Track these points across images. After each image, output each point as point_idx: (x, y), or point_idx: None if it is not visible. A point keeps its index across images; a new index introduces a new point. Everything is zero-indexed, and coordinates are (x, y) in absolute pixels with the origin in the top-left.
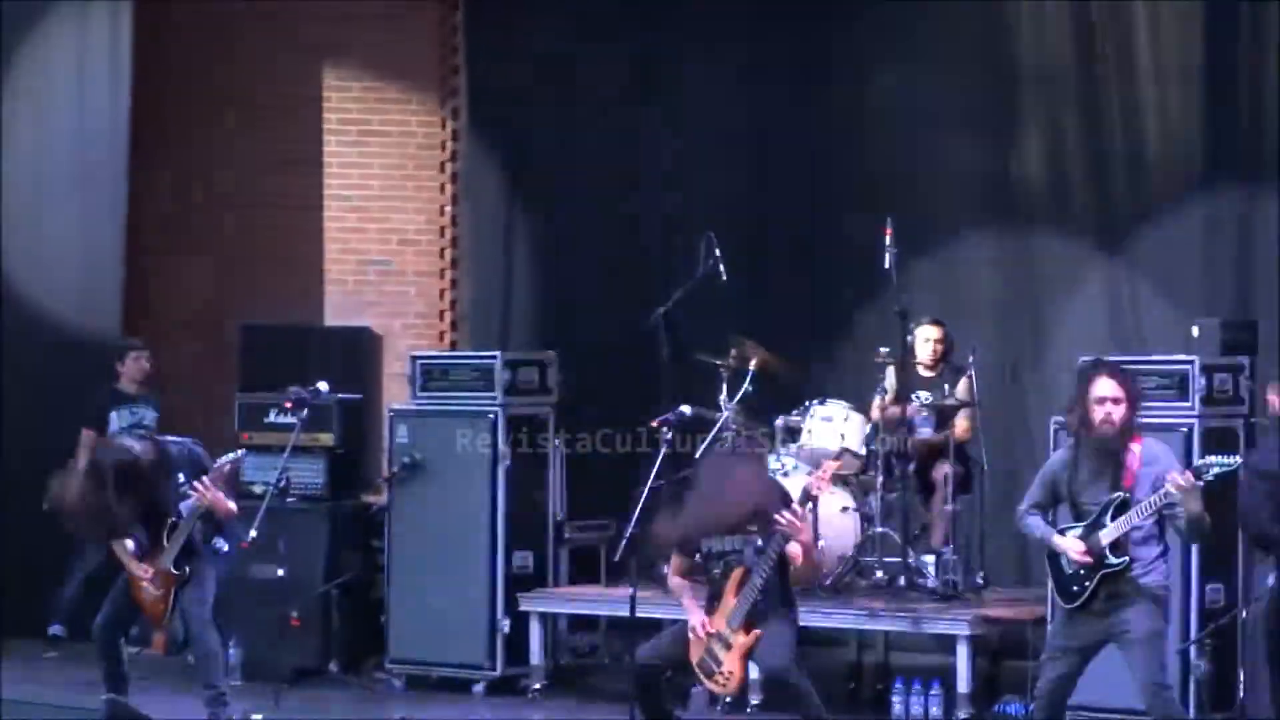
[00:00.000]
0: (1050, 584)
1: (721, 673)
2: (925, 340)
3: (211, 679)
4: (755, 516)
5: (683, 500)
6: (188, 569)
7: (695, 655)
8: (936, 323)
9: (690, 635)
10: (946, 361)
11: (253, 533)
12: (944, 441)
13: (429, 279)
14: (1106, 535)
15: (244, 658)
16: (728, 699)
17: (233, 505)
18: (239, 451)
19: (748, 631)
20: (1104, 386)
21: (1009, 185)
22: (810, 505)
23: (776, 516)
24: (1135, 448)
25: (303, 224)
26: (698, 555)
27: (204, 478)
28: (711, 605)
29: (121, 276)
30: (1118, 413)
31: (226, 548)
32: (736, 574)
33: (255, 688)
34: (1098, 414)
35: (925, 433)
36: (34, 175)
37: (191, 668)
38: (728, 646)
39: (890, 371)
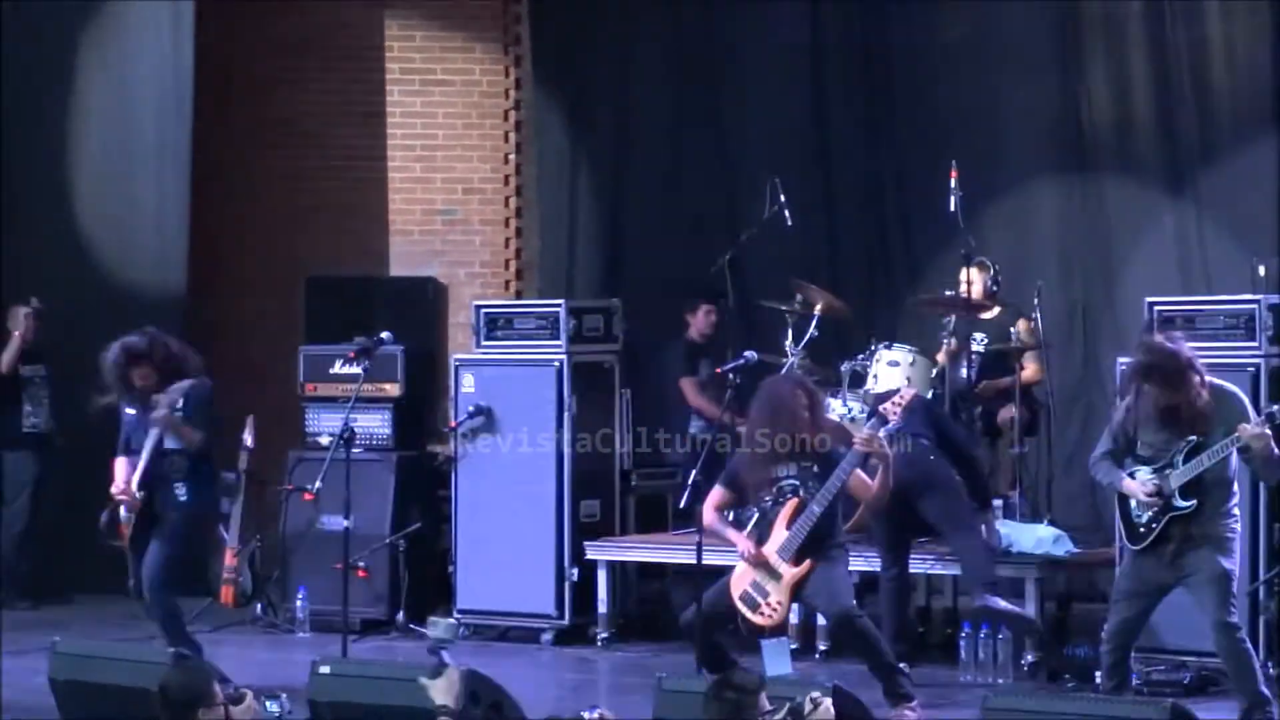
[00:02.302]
0: (1119, 526)
1: (769, 604)
2: (964, 283)
3: (172, 641)
4: (814, 442)
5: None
6: (155, 506)
7: (739, 588)
8: (972, 263)
9: (738, 569)
10: (998, 302)
11: (317, 484)
12: (1009, 385)
13: (494, 228)
14: (1176, 478)
15: (311, 609)
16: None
17: (197, 434)
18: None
19: (798, 564)
20: (1157, 394)
21: (1076, 127)
22: (884, 430)
23: (856, 436)
24: (1204, 392)
25: (367, 174)
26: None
27: (162, 396)
28: (760, 535)
29: (187, 233)
30: (1169, 397)
31: (185, 496)
32: (790, 505)
33: (322, 639)
34: (1149, 395)
35: (989, 376)
36: (102, 135)
37: (260, 619)
38: (776, 578)
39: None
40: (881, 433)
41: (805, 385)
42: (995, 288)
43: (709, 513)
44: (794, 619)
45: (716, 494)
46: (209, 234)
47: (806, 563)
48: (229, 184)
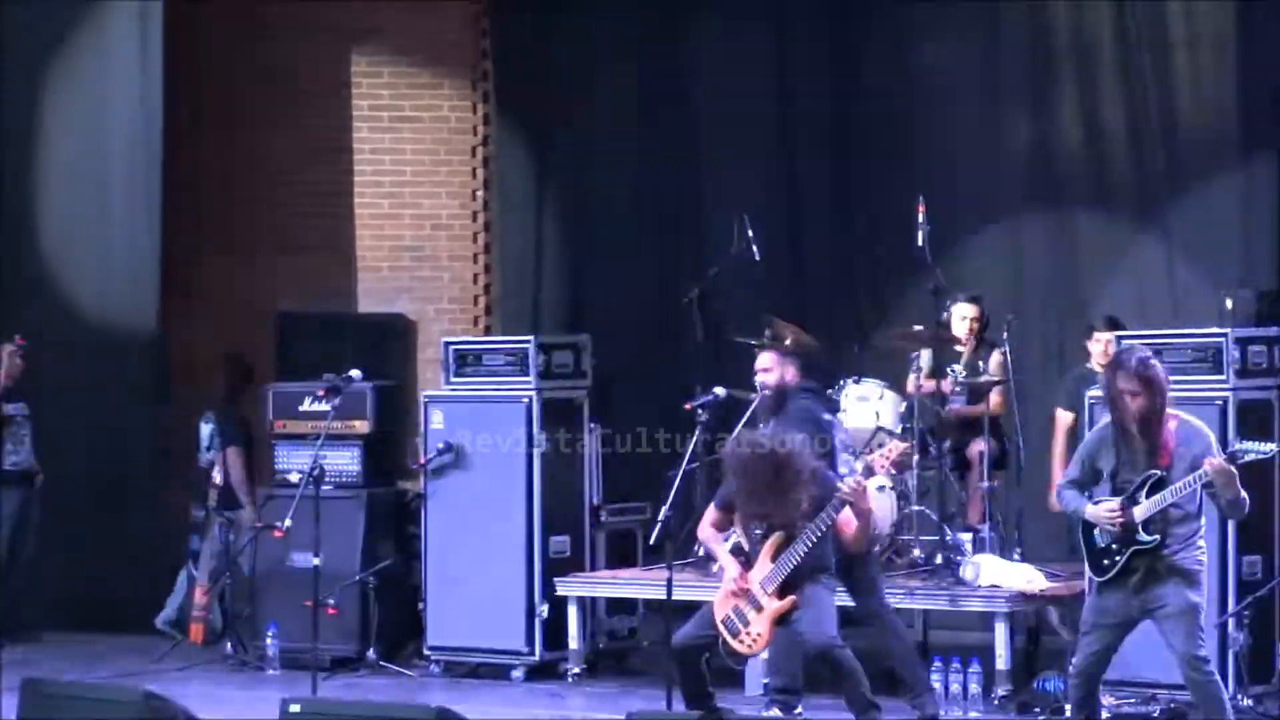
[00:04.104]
0: (1084, 557)
1: (748, 633)
2: (962, 319)
3: None
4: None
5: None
6: None
7: (721, 612)
8: (974, 300)
9: (721, 593)
10: (981, 338)
11: (287, 522)
12: (978, 416)
13: (462, 264)
14: (1140, 512)
15: (281, 646)
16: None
17: None
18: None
19: (781, 597)
20: (1122, 380)
21: (1046, 160)
22: (876, 485)
23: (840, 485)
24: (1171, 425)
25: (335, 211)
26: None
27: None
28: (746, 563)
29: (159, 271)
30: (1136, 404)
31: None
32: (776, 538)
33: (292, 676)
34: (1121, 404)
35: (958, 404)
36: (68, 171)
37: (230, 657)
38: (758, 608)
39: (925, 351)
40: (874, 487)
41: (800, 461)
42: (985, 323)
43: (705, 529)
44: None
45: (712, 514)
46: (179, 272)
47: (790, 599)
48: (198, 221)
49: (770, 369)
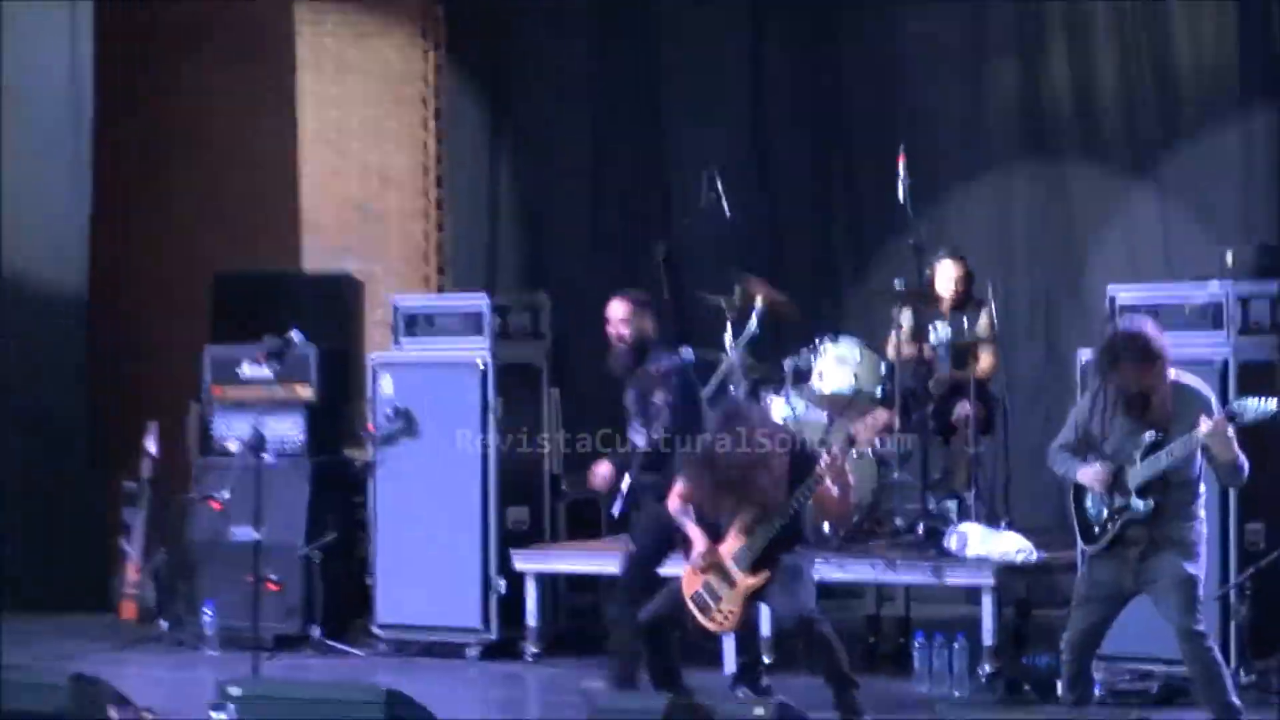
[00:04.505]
0: (1075, 526)
1: (720, 610)
2: (945, 277)
3: None
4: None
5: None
6: None
7: (691, 588)
8: (958, 258)
9: (690, 568)
10: (967, 297)
11: (226, 493)
12: (964, 380)
13: (412, 220)
14: (1134, 477)
15: (220, 625)
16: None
17: None
18: None
19: (754, 573)
20: (1121, 350)
21: (1036, 112)
22: (852, 451)
23: (819, 464)
24: (1168, 387)
25: (278, 166)
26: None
27: None
28: (717, 535)
29: (89, 231)
30: (1134, 375)
31: None
32: (749, 512)
33: (232, 657)
34: (1118, 372)
35: (943, 370)
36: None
37: (165, 637)
38: (730, 584)
39: (906, 310)
40: (854, 454)
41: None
42: (971, 282)
43: (675, 501)
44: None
45: (682, 485)
46: (113, 232)
47: (763, 573)
48: (132, 179)
49: (626, 320)
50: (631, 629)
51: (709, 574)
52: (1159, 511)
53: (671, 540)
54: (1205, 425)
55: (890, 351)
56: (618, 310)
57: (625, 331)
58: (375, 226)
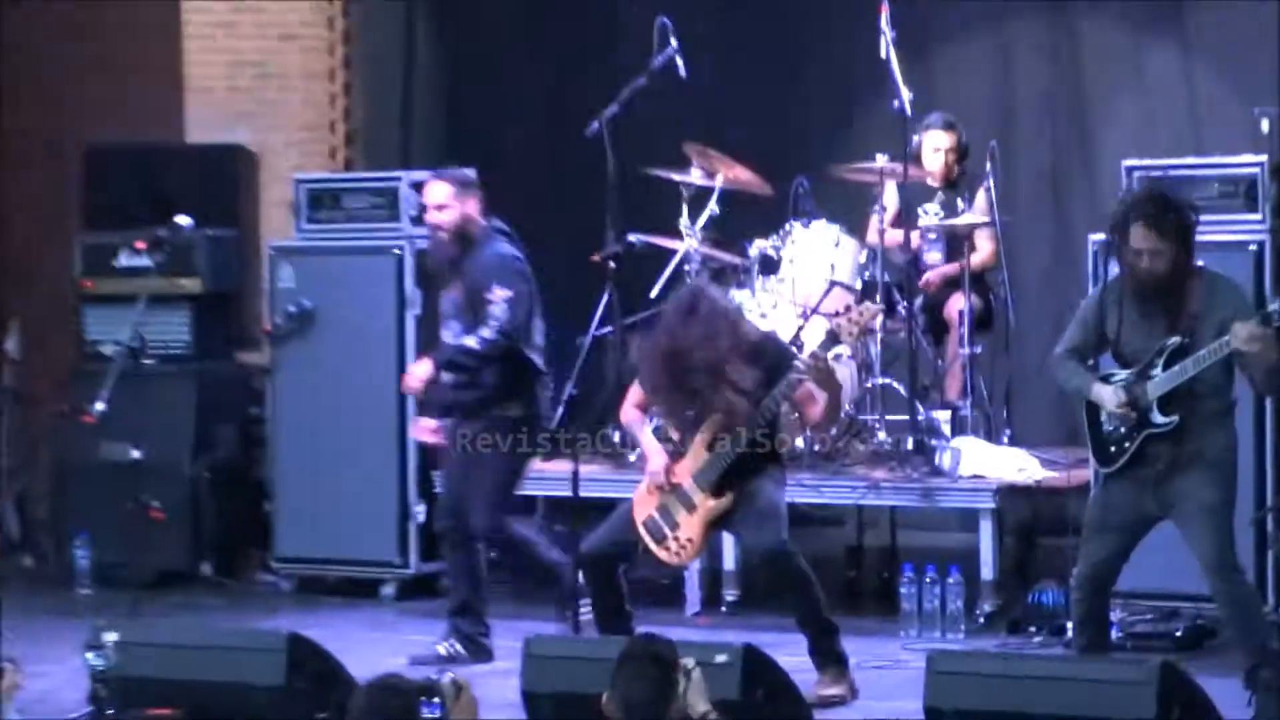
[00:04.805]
0: (1089, 444)
1: (676, 538)
2: (934, 148)
3: None
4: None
5: (648, 364)
6: None
7: (643, 512)
8: (948, 127)
9: (643, 488)
10: (960, 171)
11: (100, 404)
12: (958, 270)
13: (316, 83)
14: (1155, 387)
15: (95, 560)
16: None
17: None
18: None
19: (719, 494)
20: (1137, 237)
21: None
22: (834, 354)
23: (797, 362)
24: (1195, 282)
25: (156, 20)
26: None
27: None
28: (676, 452)
29: None
30: (1159, 263)
31: None
32: (712, 422)
33: (108, 596)
34: (1137, 263)
35: (934, 259)
36: None
37: (30, 573)
38: (690, 508)
39: (890, 185)
40: (831, 355)
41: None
42: (965, 155)
43: (629, 410)
44: (697, 562)
45: (637, 392)
46: None
47: (727, 496)
48: None
49: (446, 205)
50: (577, 561)
51: (666, 497)
52: (1184, 425)
53: (518, 469)
54: (1241, 330)
55: (872, 237)
56: (436, 193)
57: (445, 219)
58: (272, 90)
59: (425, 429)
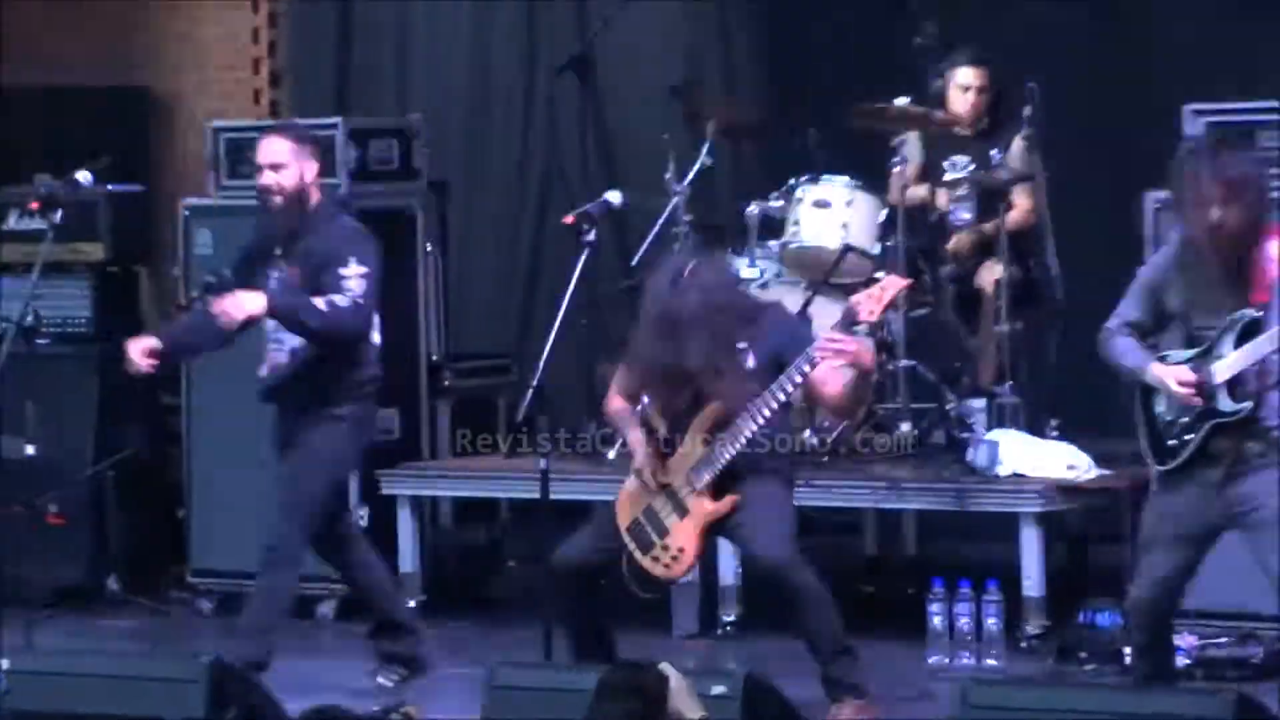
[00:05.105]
0: (1143, 437)
1: (665, 546)
2: (962, 88)
3: None
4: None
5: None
6: None
7: (627, 516)
8: (978, 62)
9: (627, 489)
10: (994, 117)
11: None
12: (993, 233)
13: (236, 13)
14: (1223, 369)
15: None
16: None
17: None
18: None
19: (717, 496)
20: (1206, 187)
21: None
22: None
23: (824, 339)
24: (1271, 245)
25: None
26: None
27: None
28: (666, 446)
29: None
30: (1221, 217)
31: None
32: (710, 411)
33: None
34: (1204, 220)
35: (965, 219)
36: None
37: None
38: (682, 512)
39: (913, 135)
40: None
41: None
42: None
43: (615, 399)
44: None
45: (623, 377)
46: None
47: (729, 498)
48: None
49: (283, 164)
50: (548, 573)
51: (653, 498)
52: (1256, 413)
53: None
54: None
55: (893, 195)
56: (271, 150)
57: (282, 180)
58: (184, 22)
59: (141, 350)
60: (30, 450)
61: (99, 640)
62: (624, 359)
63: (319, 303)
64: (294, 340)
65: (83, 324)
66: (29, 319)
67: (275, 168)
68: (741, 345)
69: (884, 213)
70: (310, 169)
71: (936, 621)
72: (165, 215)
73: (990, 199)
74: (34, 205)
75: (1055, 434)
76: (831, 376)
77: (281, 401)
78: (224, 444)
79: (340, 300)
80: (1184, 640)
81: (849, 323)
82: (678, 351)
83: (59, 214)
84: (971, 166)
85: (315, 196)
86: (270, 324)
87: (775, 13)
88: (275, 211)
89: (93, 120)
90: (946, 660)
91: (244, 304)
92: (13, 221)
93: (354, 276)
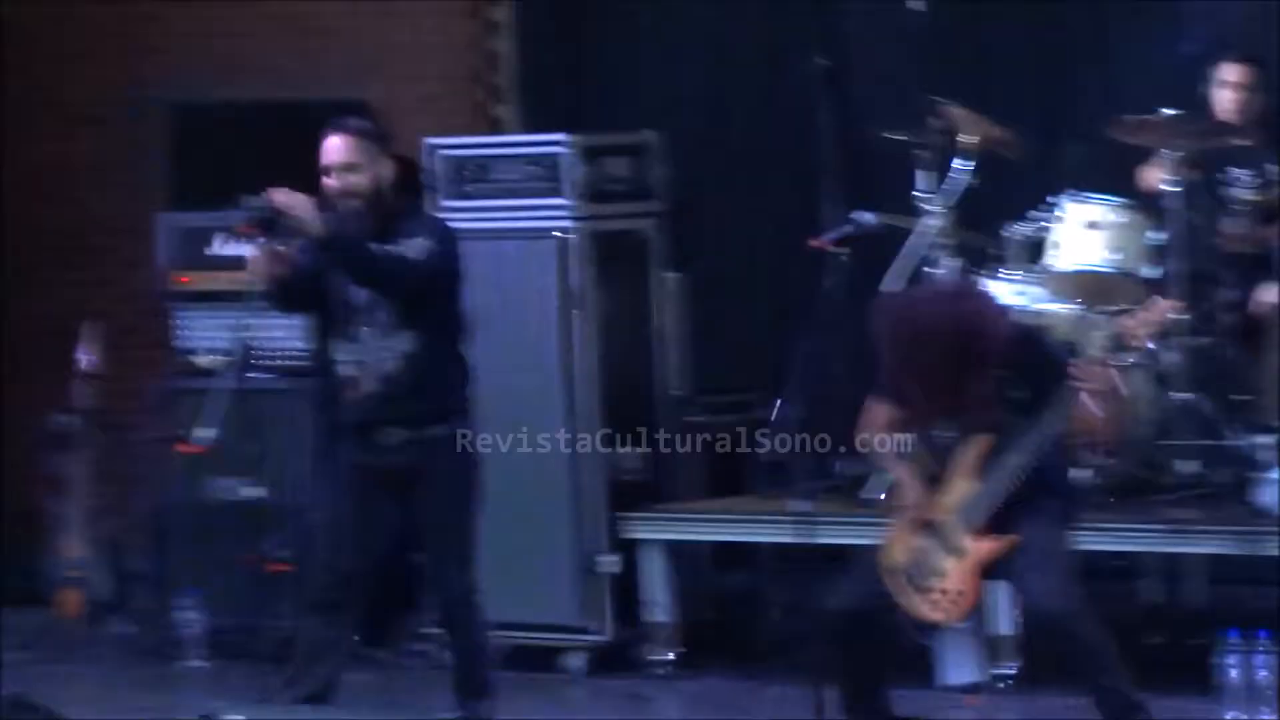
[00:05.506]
0: None
1: (944, 589)
2: (1224, 85)
3: None
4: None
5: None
6: None
7: (898, 558)
8: (1247, 59)
9: (893, 530)
10: (1266, 117)
11: (210, 431)
12: (1267, 247)
13: (456, 21)
14: None
15: (207, 625)
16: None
17: None
18: None
19: (990, 537)
20: None
21: None
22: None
23: (1080, 367)
24: None
25: None
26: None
27: None
28: (933, 483)
29: None
30: None
31: None
32: (980, 444)
33: (226, 669)
34: None
35: (1236, 233)
36: None
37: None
38: (956, 552)
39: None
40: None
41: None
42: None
43: (874, 433)
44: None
45: (880, 409)
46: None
47: (1008, 538)
48: None
49: (356, 164)
50: (821, 622)
51: (924, 538)
52: None
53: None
54: None
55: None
56: (338, 150)
57: (355, 181)
58: (403, 31)
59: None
60: (260, 491)
61: (335, 703)
62: (881, 390)
63: (409, 251)
64: (406, 343)
65: (297, 355)
66: (242, 350)
67: (348, 168)
68: (1004, 373)
69: (1155, 234)
70: (386, 168)
71: (1234, 674)
72: None
73: (1268, 212)
74: (245, 228)
75: None
76: (1090, 414)
77: (393, 417)
78: None
79: (391, 249)
80: None
81: (1116, 347)
82: (939, 382)
83: (272, 236)
84: (1259, 181)
85: (396, 197)
86: (378, 329)
87: (1033, 22)
88: (355, 217)
89: (305, 138)
90: (1245, 717)
91: (295, 201)
92: (218, 246)
93: (418, 242)
